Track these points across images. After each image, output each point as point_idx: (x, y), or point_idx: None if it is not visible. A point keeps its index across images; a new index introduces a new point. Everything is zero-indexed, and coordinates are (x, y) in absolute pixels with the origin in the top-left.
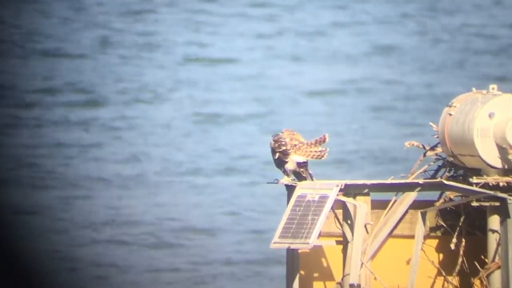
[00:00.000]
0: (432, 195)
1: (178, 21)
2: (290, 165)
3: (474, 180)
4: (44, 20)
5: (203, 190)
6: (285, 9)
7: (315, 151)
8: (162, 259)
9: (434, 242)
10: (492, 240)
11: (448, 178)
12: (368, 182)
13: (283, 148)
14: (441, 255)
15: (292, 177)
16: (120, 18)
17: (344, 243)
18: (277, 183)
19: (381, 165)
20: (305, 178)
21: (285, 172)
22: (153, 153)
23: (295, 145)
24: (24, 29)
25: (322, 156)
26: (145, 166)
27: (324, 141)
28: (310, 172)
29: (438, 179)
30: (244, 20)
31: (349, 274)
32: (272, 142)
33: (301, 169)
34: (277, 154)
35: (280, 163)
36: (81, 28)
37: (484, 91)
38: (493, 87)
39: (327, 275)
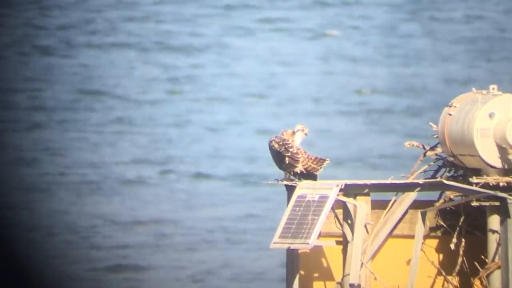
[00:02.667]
0: (432, 195)
1: None
2: (298, 168)
3: (474, 180)
4: None
5: None
6: None
7: (311, 165)
8: None
9: (434, 242)
10: (492, 240)
11: (448, 178)
12: (368, 182)
13: (291, 150)
14: (441, 255)
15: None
16: None
17: (344, 243)
18: (277, 183)
19: None
20: (314, 175)
21: (296, 175)
22: None
23: (298, 149)
24: None
25: (317, 170)
26: None
27: (323, 162)
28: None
29: (438, 179)
30: None
31: (349, 274)
32: (277, 145)
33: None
34: (287, 159)
35: (288, 166)
36: None
37: (484, 91)
38: (493, 87)
39: (327, 275)
